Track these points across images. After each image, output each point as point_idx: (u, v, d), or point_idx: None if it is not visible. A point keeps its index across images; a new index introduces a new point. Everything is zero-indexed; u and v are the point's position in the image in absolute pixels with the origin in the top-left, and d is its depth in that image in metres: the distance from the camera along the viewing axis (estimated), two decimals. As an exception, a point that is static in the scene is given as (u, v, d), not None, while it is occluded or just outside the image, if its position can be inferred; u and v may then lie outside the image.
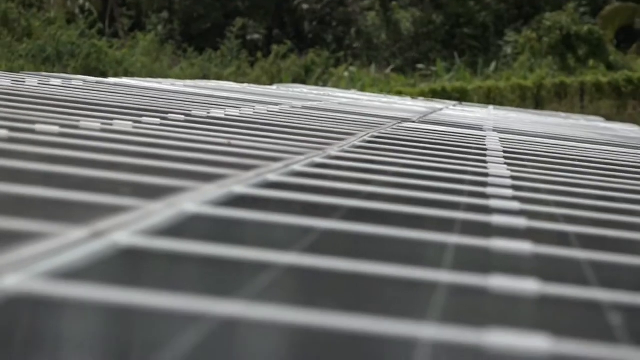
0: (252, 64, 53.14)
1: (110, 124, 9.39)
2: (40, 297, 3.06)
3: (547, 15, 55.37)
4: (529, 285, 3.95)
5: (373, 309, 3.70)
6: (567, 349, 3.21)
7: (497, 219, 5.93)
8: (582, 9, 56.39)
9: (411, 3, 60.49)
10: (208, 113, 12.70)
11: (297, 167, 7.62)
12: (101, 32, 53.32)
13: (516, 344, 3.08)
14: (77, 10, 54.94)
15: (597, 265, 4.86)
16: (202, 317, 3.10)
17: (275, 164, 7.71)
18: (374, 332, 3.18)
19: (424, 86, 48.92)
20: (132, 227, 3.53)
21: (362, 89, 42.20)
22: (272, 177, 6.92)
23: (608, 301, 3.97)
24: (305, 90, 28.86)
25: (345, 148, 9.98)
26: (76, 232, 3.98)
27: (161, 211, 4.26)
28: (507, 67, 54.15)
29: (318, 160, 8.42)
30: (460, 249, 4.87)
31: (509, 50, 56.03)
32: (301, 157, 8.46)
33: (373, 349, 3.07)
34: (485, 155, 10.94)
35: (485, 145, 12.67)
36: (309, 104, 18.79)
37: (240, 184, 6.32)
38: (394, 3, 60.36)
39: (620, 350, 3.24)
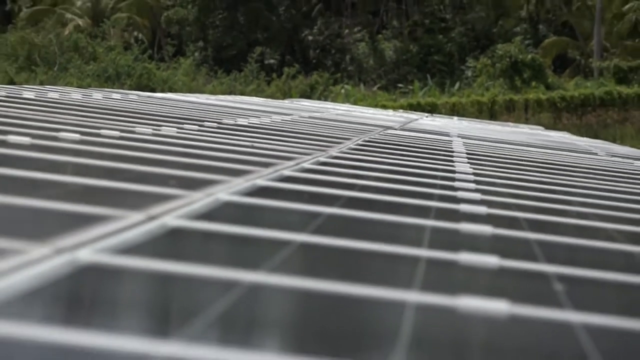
0: (268, 83, 53.46)
1: (159, 130, 9.36)
2: (106, 268, 3.03)
3: (499, 46, 55.82)
4: (490, 260, 3.93)
5: (366, 277, 3.64)
6: (522, 311, 3.18)
7: (463, 207, 5.91)
8: (526, 42, 56.68)
9: (393, 36, 60.77)
10: (235, 121, 12.66)
11: (306, 165, 7.62)
12: (151, 57, 53.70)
13: (482, 307, 3.05)
14: (132, 40, 54.98)
15: (542, 244, 4.84)
16: (235, 283, 3.07)
17: (289, 162, 7.72)
18: (367, 295, 3.14)
19: (403, 101, 49.06)
20: (178, 212, 3.51)
21: (355, 103, 42.20)
22: (287, 173, 6.93)
23: (552, 272, 3.95)
24: (310, 104, 28.79)
25: (344, 150, 9.99)
26: (135, 216, 3.96)
27: (201, 199, 4.22)
28: (468, 86, 54.60)
29: (322, 159, 8.42)
30: (434, 230, 4.85)
31: (469, 73, 56.44)
32: (309, 157, 8.47)
33: (366, 308, 3.03)
34: (452, 156, 10.95)
35: (452, 148, 12.67)
36: (313, 114, 18.73)
37: (261, 178, 6.31)
38: (379, 36, 60.52)
39: (563, 312, 3.22)
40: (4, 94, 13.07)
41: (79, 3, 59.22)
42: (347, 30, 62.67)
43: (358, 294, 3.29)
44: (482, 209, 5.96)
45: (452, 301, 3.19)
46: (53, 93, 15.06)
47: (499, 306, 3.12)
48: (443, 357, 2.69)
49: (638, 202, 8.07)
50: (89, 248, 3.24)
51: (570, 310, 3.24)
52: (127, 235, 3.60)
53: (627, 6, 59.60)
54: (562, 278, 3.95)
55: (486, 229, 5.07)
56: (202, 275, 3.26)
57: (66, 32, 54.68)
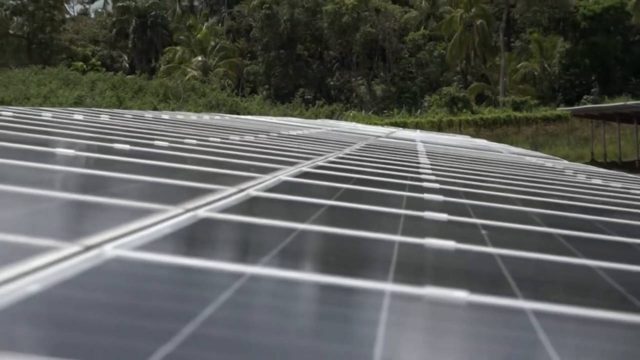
0: (307, 109, 53.04)
1: (243, 137, 9.34)
2: (214, 220, 3.04)
3: (444, 88, 55.78)
4: (442, 216, 3.94)
5: (368, 226, 3.64)
6: (463, 247, 3.21)
7: (425, 184, 5.88)
8: (460, 86, 56.40)
9: (381, 82, 60.62)
10: (288, 132, 12.61)
11: (331, 159, 7.57)
12: (236, 94, 53.49)
13: (439, 244, 3.09)
14: (225, 84, 54.92)
15: (473, 206, 4.84)
16: (292, 229, 3.06)
17: (320, 157, 7.68)
18: (368, 237, 3.16)
19: (387, 121, 48.85)
20: (257, 187, 3.42)
21: (358, 122, 41.74)
22: (320, 163, 6.86)
23: (479, 223, 3.96)
24: (331, 122, 28.58)
25: (353, 149, 9.93)
26: (231, 189, 3.94)
27: (269, 179, 4.13)
28: (425, 112, 54.30)
29: (341, 155, 8.36)
30: (408, 198, 4.82)
31: (426, 104, 56.36)
32: (332, 154, 8.41)
33: (368, 245, 3.03)
34: (417, 153, 10.88)
35: (416, 148, 12.57)
36: (334, 129, 18.63)
37: (305, 166, 6.28)
38: (373, 82, 60.05)
39: (487, 247, 3.24)
40: (150, 116, 13.07)
41: (194, 62, 59.21)
42: (353, 78, 62.28)
43: (362, 236, 3.24)
44: (436, 185, 5.92)
45: (420, 241, 3.14)
46: (180, 116, 15.11)
47: (449, 244, 3.14)
48: (415, 273, 2.71)
49: (528, 180, 8.07)
50: (204, 208, 3.25)
51: (490, 247, 3.26)
52: (227, 201, 3.61)
53: (519, 65, 59.46)
54: (485, 226, 3.92)
55: (439, 198, 5.04)
56: (272, 225, 3.23)
57: (187, 79, 54.58)
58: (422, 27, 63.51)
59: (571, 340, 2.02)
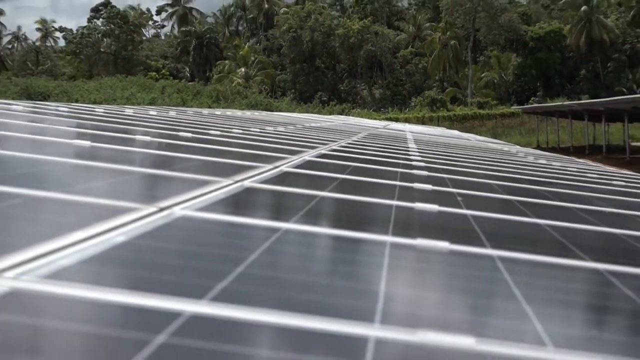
0: (323, 108, 52.84)
1: (276, 128, 9.31)
2: (258, 189, 3.03)
3: (426, 92, 55.45)
4: (427, 187, 3.92)
5: (372, 193, 3.61)
6: (444, 209, 3.18)
7: (414, 163, 5.84)
8: (438, 90, 56.04)
9: (379, 87, 60.10)
10: (310, 124, 12.58)
11: (343, 144, 7.52)
12: (270, 96, 53.22)
13: (425, 207, 3.07)
14: (262, 89, 54.80)
15: (450, 180, 4.82)
16: (314, 196, 3.05)
17: (334, 143, 7.63)
18: (371, 202, 3.13)
19: (383, 117, 48.49)
20: (252, 178, 3.41)
21: (361, 117, 41.63)
22: (334, 147, 6.82)
23: (455, 192, 3.94)
24: (342, 118, 28.54)
25: (358, 138, 9.87)
26: (267, 166, 3.93)
27: (268, 170, 4.11)
28: (412, 110, 53.85)
29: (349, 141, 8.31)
30: (401, 174, 4.80)
31: (412, 104, 55.77)
32: (343, 141, 8.36)
33: (370, 207, 3.02)
34: (406, 141, 10.81)
35: (406, 137, 12.50)
36: (343, 123, 18.61)
37: (322, 149, 6.25)
38: (372, 87, 59.83)
39: (462, 210, 3.22)
40: (206, 112, 13.08)
41: (239, 73, 59.15)
42: (358, 85, 62.18)
43: (367, 201, 3.23)
44: (422, 164, 5.90)
45: (411, 205, 3.12)
46: (228, 112, 15.10)
47: (433, 207, 3.12)
48: (408, 228, 2.70)
49: (490, 160, 8.03)
50: (248, 180, 3.22)
51: (464, 209, 3.25)
52: (265, 175, 3.59)
53: (482, 75, 59.44)
54: (460, 194, 3.91)
55: (424, 173, 5.02)
56: (299, 193, 3.21)
57: (233, 85, 54.56)
58: (410, 46, 63.27)
59: (525, 278, 2.00)
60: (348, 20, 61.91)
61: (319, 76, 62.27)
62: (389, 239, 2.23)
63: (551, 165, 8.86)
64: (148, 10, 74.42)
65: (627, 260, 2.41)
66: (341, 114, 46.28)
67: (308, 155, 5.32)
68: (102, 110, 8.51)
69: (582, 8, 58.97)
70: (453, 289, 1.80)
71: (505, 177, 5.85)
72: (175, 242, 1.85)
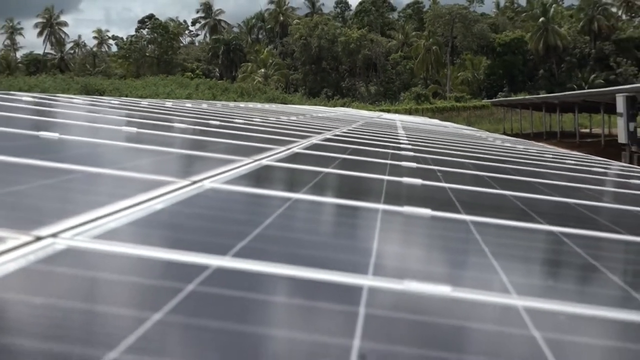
0: (328, 102, 52.73)
1: (290, 118, 9.28)
2: (274, 167, 3.01)
3: (412, 89, 55.13)
4: (412, 164, 3.89)
5: (368, 170, 3.59)
6: (426, 183, 3.16)
7: (402, 146, 5.82)
8: (422, 87, 56.15)
9: (374, 85, 59.78)
10: (317, 114, 12.55)
11: (344, 130, 7.50)
12: (285, 92, 53.06)
13: (411, 181, 3.03)
14: (278, 86, 54.62)
15: (432, 159, 4.78)
16: (319, 172, 3.02)
17: (336, 129, 7.60)
18: (367, 177, 3.11)
19: (377, 108, 48.31)
20: (269, 158, 3.39)
21: (359, 109, 41.56)
22: (338, 133, 6.80)
23: (436, 169, 3.91)
24: (343, 109, 28.51)
25: (355, 126, 9.84)
26: (281, 148, 3.91)
27: (282, 151, 4.11)
28: (401, 103, 53.76)
29: (350, 128, 8.29)
30: (392, 154, 4.78)
31: (401, 98, 55.55)
32: (344, 128, 8.33)
33: (367, 181, 3.00)
34: (396, 128, 10.78)
35: (396, 125, 12.48)
36: (344, 113, 18.57)
37: (328, 134, 6.22)
38: (369, 85, 59.61)
39: (441, 183, 3.19)
40: (233, 105, 13.06)
41: (259, 73, 58.88)
42: (357, 83, 61.96)
43: (364, 176, 3.21)
44: (409, 146, 5.89)
45: (400, 179, 3.13)
46: (250, 105, 15.10)
47: (418, 181, 3.10)
48: (397, 198, 2.69)
49: (465, 143, 8.00)
50: (265, 159, 3.21)
51: (443, 182, 3.23)
52: (279, 155, 3.57)
53: (459, 74, 59.18)
54: (441, 171, 3.90)
55: (410, 154, 5.00)
56: (307, 169, 3.17)
57: (254, 83, 54.41)
58: (399, 51, 62.92)
59: (492, 238, 1.98)
60: (348, 30, 61.83)
61: (325, 76, 62.03)
62: (381, 206, 2.21)
63: (515, 147, 8.83)
64: (185, 21, 74.31)
65: (576, 224, 2.40)
66: (343, 107, 46.19)
67: (315, 139, 5.30)
68: (147, 103, 8.49)
69: (540, 19, 59.07)
70: (433, 247, 1.79)
71: (477, 157, 5.83)
72: (204, 209, 1.84)
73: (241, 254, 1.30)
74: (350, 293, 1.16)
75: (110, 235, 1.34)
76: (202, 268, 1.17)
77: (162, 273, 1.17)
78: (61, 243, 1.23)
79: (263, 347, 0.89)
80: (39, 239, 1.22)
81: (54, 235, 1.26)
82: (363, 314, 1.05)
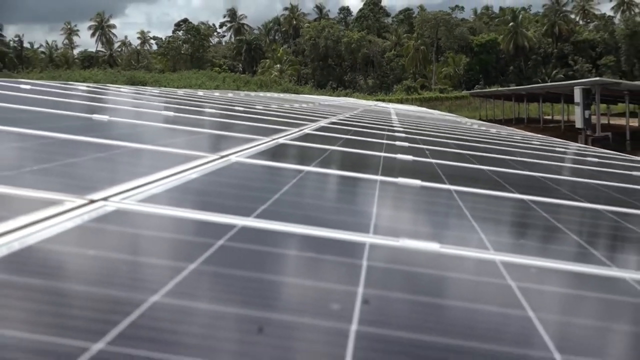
0: (333, 93, 52.45)
1: (302, 105, 9.24)
2: (290, 144, 2.99)
3: (404, 82, 54.87)
4: (405, 144, 3.87)
5: (367, 148, 3.55)
6: (416, 159, 3.13)
7: (396, 129, 5.78)
8: (412, 80, 55.68)
9: (372, 78, 59.41)
10: (324, 102, 12.49)
11: (347, 115, 7.46)
12: (297, 84, 52.73)
13: (404, 161, 2.99)
14: (292, 80, 54.26)
15: (422, 140, 4.74)
16: (324, 149, 3.00)
17: (340, 115, 7.56)
18: (367, 154, 3.09)
19: (374, 98, 47.98)
20: (284, 137, 3.36)
21: (359, 99, 41.36)
22: (341, 117, 6.77)
23: (425, 148, 3.88)
24: (345, 99, 28.41)
25: (355, 112, 9.79)
26: (294, 129, 3.89)
27: (295, 132, 4.08)
28: (394, 94, 53.35)
29: (349, 114, 8.24)
30: (388, 136, 4.74)
31: (394, 90, 55.10)
32: (346, 114, 8.29)
33: (367, 158, 2.97)
34: (390, 115, 10.72)
35: (390, 112, 12.42)
36: (346, 102, 18.47)
37: (332, 118, 6.19)
38: (367, 78, 59.24)
39: (428, 159, 3.16)
40: (254, 94, 13.01)
41: (275, 68, 58.61)
42: (357, 77, 61.55)
43: (364, 153, 3.17)
44: (401, 129, 5.87)
45: (394, 155, 3.11)
46: (268, 94, 15.04)
47: (409, 157, 3.07)
48: (392, 171, 2.67)
49: (448, 127, 7.96)
50: (281, 139, 3.21)
51: (431, 159, 3.21)
52: (293, 135, 3.56)
53: (442, 69, 58.84)
54: (429, 150, 3.87)
55: (403, 135, 4.99)
56: (316, 147, 3.14)
57: (272, 77, 54.15)
58: (393, 50, 62.54)
59: (472, 204, 1.96)
60: (350, 32, 61.53)
61: (330, 70, 61.65)
62: (379, 177, 2.19)
63: (489, 131, 8.77)
64: (213, 25, 73.86)
65: (541, 193, 2.38)
66: (345, 97, 46.01)
67: (323, 122, 5.27)
68: (182, 93, 8.47)
69: (510, 24, 58.85)
70: (423, 211, 1.77)
71: (458, 138, 5.78)
72: (231, 178, 1.82)
73: (262, 216, 1.29)
74: (354, 248, 1.15)
75: (152, 199, 1.33)
76: (229, 227, 1.17)
77: (195, 231, 1.16)
78: (111, 205, 1.22)
79: (280, 292, 0.89)
80: (92, 202, 1.22)
81: (105, 199, 1.26)
82: (365, 266, 1.04)
